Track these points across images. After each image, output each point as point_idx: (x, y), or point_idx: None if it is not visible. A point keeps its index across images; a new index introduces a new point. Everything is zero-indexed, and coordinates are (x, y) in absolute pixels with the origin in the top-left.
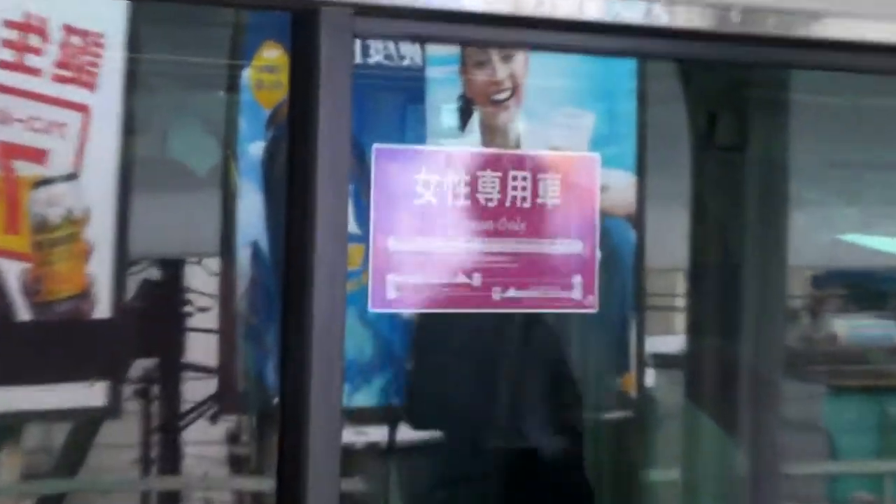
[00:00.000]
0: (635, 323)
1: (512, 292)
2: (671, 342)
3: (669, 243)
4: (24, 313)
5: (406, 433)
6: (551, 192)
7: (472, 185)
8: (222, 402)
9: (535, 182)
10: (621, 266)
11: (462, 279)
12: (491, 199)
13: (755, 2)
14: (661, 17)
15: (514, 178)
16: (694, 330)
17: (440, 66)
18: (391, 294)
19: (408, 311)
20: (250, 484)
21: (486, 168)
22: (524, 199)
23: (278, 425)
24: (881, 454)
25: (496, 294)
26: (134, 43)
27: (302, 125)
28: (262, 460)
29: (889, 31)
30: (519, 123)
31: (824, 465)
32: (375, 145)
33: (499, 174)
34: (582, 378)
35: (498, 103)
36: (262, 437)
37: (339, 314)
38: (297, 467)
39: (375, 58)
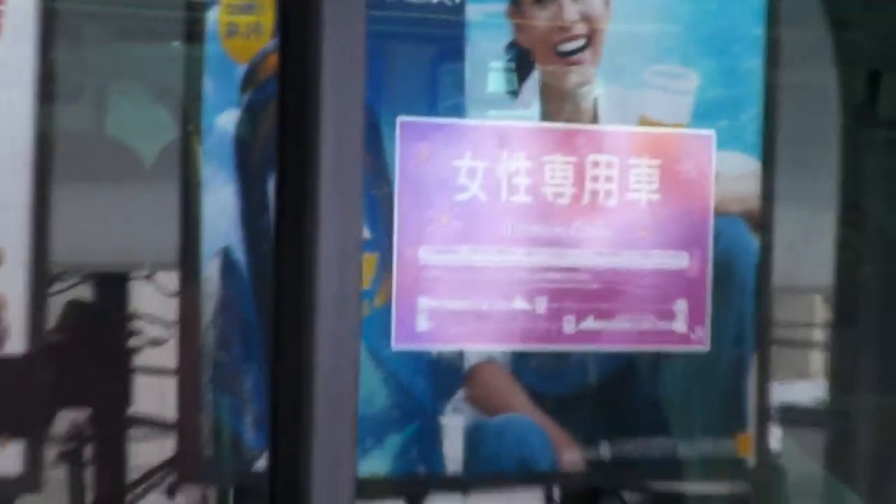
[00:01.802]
0: (756, 364)
1: (590, 323)
2: (806, 391)
3: (808, 254)
4: None
5: None
6: (647, 185)
7: (536, 174)
8: (182, 469)
9: (623, 171)
10: (737, 285)
11: (521, 305)
12: (562, 195)
13: None
14: None
15: (595, 166)
16: (840, 375)
17: (484, 4)
18: (422, 325)
19: (445, 348)
20: None
21: (555, 150)
22: (608, 193)
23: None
24: None
25: (568, 325)
26: None
27: (298, 89)
28: None
29: None
30: (597, 87)
31: None
32: (400, 118)
33: (573, 159)
34: (683, 438)
35: (567, 57)
36: None
37: (353, 351)
38: None
39: None
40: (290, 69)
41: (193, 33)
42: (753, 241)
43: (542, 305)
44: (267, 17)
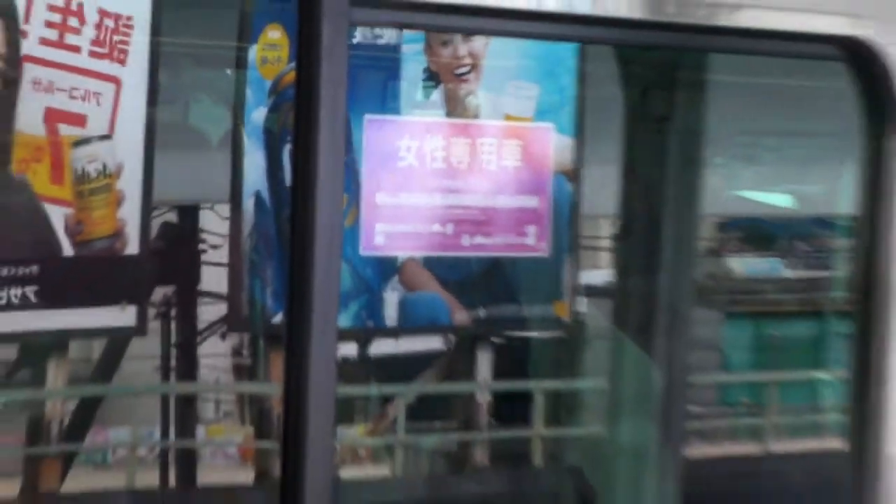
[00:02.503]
0: (571, 261)
1: (477, 238)
2: (600, 276)
3: (601, 195)
4: (67, 250)
5: (375, 349)
6: (512, 157)
7: (447, 149)
8: (230, 323)
9: (498, 148)
10: (561, 214)
11: (438, 228)
12: (462, 162)
13: None
14: (608, 6)
15: (481, 144)
16: (619, 267)
17: (411, 44)
18: (380, 240)
19: (389, 252)
20: (252, 388)
21: (457, 135)
22: (489, 161)
23: (285, 340)
24: (763, 367)
25: (464, 240)
26: (158, 25)
27: (306, 101)
28: (261, 370)
29: (794, 21)
30: (479, 96)
31: (720, 377)
32: (367, 116)
33: (468, 140)
34: (528, 305)
35: (460, 77)
36: (262, 351)
37: (337, 251)
38: (299, 372)
39: (357, 38)
40: (302, 85)
41: (241, 62)
42: (568, 188)
43: (448, 228)
44: (284, 52)
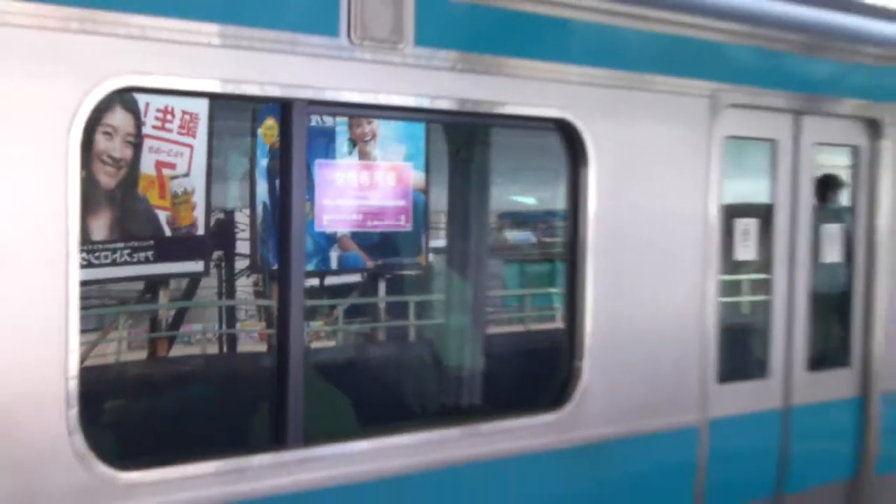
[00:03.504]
0: (423, 234)
1: (377, 222)
2: (443, 243)
3: (440, 201)
4: (168, 233)
5: (326, 282)
6: (393, 181)
7: (361, 177)
8: (252, 269)
9: (387, 177)
10: (417, 210)
11: (355, 217)
12: (367, 184)
13: (476, 97)
14: (441, 105)
15: (378, 175)
16: (451, 238)
17: (340, 127)
18: (326, 223)
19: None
20: (262, 302)
21: (367, 170)
22: (381, 183)
23: (278, 278)
24: (523, 287)
25: (369, 223)
26: (211, 116)
27: (287, 154)
28: (267, 292)
29: (537, 111)
30: (377, 150)
31: (502, 292)
32: (317, 160)
33: (371, 173)
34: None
35: (365, 141)
36: (267, 283)
37: (303, 230)
38: (285, 294)
39: (312, 122)
40: (283, 146)
41: (254, 133)
42: (422, 197)
43: (361, 217)
44: (275, 130)
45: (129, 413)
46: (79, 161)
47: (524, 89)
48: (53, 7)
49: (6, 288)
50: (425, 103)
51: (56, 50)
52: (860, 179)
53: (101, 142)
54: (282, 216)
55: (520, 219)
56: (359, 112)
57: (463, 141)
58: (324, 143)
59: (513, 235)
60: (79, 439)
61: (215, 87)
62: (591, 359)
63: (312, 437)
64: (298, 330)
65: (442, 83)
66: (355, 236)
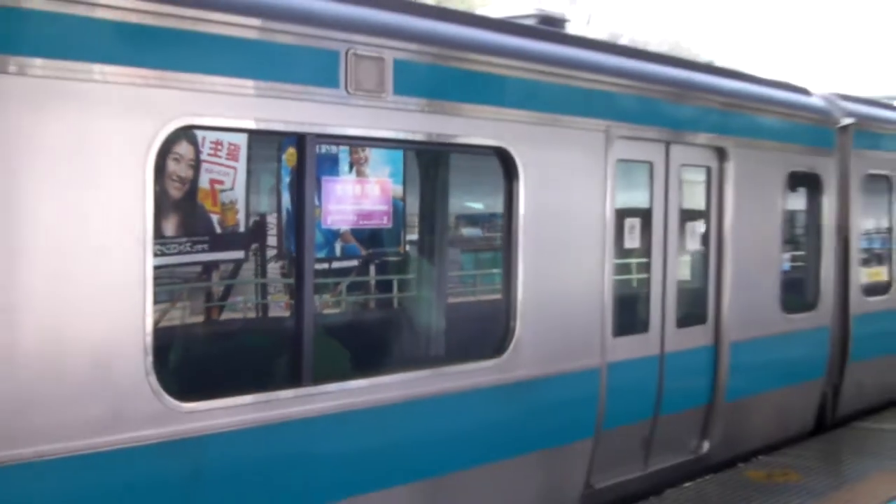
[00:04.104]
0: (402, 231)
1: (367, 222)
2: (416, 237)
3: (414, 207)
4: (218, 230)
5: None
6: (379, 192)
7: (356, 189)
8: (278, 255)
9: (374, 188)
10: (397, 213)
11: (352, 218)
12: (361, 194)
13: (438, 130)
14: (414, 137)
15: (369, 187)
16: (421, 234)
17: (343, 153)
18: (331, 223)
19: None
20: (286, 280)
21: (359, 184)
22: (371, 194)
23: (296, 263)
24: (475, 268)
25: (362, 222)
26: (249, 147)
27: (302, 173)
28: (290, 273)
29: (482, 140)
30: (367, 170)
31: (460, 272)
32: (324, 177)
33: (362, 186)
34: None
35: (360, 165)
36: (290, 266)
37: (313, 228)
38: (300, 275)
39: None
40: (300, 168)
41: (279, 158)
42: (401, 203)
43: (357, 217)
44: (294, 156)
45: (189, 360)
46: (153, 178)
47: (473, 125)
48: (137, 69)
49: (104, 270)
50: (402, 136)
51: (139, 99)
52: (712, 190)
53: (171, 165)
54: (297, 217)
55: (471, 219)
56: (353, 143)
57: (429, 162)
58: (331, 166)
59: (466, 231)
60: (153, 379)
61: (251, 125)
62: (522, 319)
63: (321, 377)
64: (310, 300)
65: (414, 121)
66: (353, 232)
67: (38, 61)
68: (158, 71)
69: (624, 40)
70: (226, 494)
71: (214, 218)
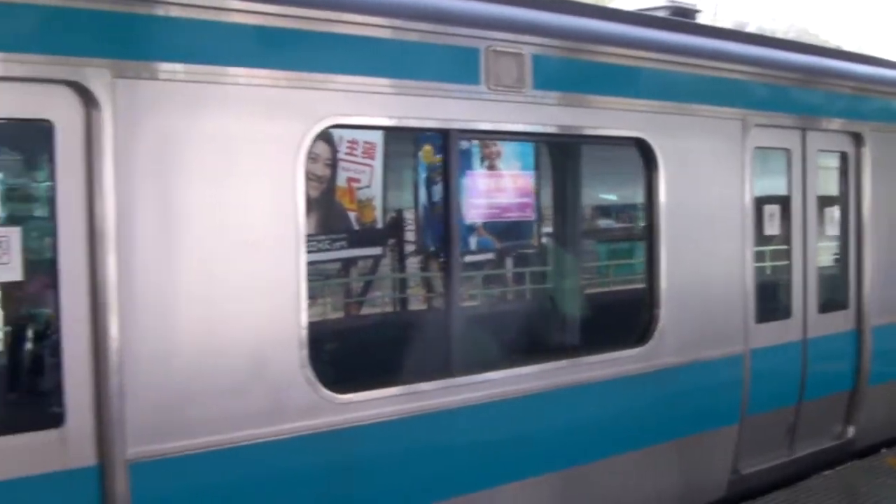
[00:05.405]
0: (537, 223)
1: (506, 216)
2: (551, 229)
3: (547, 201)
4: (356, 226)
5: None
6: (524, 184)
7: (498, 182)
8: (417, 249)
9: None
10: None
11: (493, 211)
12: (505, 187)
13: (572, 123)
14: (557, 129)
15: (512, 180)
16: (556, 226)
17: (476, 148)
18: (471, 217)
19: (473, 221)
20: None
21: (504, 178)
22: (516, 187)
23: None
24: (609, 258)
25: (502, 215)
26: (386, 145)
27: (446, 170)
28: None
29: (621, 132)
30: (500, 164)
31: (596, 263)
32: (466, 172)
33: (505, 178)
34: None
35: (494, 159)
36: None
37: (458, 223)
38: None
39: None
40: (445, 165)
41: (416, 154)
42: (535, 198)
43: (493, 211)
44: (430, 155)
45: (340, 353)
46: (304, 177)
47: (612, 117)
48: (284, 71)
49: (261, 265)
50: (542, 129)
51: (287, 101)
52: (850, 175)
53: (314, 164)
54: (445, 212)
55: (605, 210)
56: (494, 137)
57: (563, 155)
58: (467, 162)
59: (601, 223)
60: (308, 371)
61: (395, 122)
62: (666, 307)
63: (466, 368)
64: (457, 293)
65: (554, 114)
66: (485, 225)
67: (193, 67)
68: (302, 72)
69: (750, 29)
70: (376, 483)
71: (353, 215)
